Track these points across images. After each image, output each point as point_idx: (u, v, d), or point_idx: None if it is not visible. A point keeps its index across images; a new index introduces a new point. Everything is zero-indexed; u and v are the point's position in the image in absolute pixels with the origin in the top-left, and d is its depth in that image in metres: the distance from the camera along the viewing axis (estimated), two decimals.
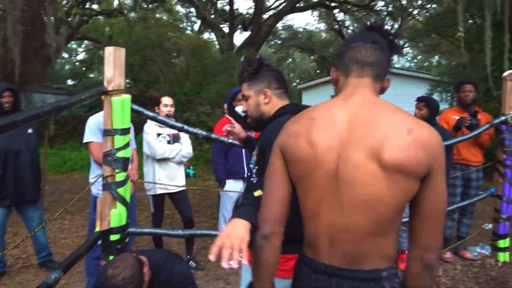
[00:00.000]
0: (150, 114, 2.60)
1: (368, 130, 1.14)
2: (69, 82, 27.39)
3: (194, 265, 3.84)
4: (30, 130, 3.73)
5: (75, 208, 6.38)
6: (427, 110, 3.69)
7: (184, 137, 3.90)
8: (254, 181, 1.65)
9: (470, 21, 10.41)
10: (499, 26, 6.41)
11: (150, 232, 2.65)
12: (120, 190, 2.36)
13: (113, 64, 2.33)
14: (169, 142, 3.79)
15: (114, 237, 2.34)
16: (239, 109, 3.85)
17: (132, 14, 17.44)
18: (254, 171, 1.66)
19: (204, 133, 2.69)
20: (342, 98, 1.24)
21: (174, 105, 3.84)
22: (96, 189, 3.08)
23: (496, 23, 6.43)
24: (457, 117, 3.90)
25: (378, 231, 1.15)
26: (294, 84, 36.63)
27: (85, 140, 3.17)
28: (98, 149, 3.13)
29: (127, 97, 2.38)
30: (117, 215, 2.34)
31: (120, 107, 2.33)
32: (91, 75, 33.13)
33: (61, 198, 7.10)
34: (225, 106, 5.65)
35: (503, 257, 3.85)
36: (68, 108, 1.99)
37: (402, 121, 1.13)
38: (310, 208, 1.23)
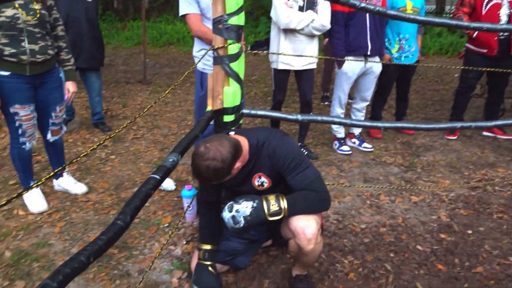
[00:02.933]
0: None
1: None
2: None
3: (306, 153, 3.60)
4: None
5: (175, 81, 6.42)
6: None
7: (322, 4, 3.12)
8: None
9: None
10: None
11: (265, 115, 2.36)
12: (234, 65, 2.01)
13: None
14: (301, 9, 3.08)
15: (228, 118, 2.07)
16: None
17: None
18: None
19: None
20: None
21: None
22: (201, 63, 2.79)
23: None
24: None
25: None
26: None
27: (181, 12, 2.75)
28: (196, 21, 2.74)
29: None
30: (231, 94, 2.04)
31: None
32: None
33: (161, 71, 7.17)
34: None
35: None
36: None
37: None
38: None
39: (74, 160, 1.17)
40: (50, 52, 2.49)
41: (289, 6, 3.06)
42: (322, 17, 3.11)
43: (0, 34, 2.28)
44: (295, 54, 3.13)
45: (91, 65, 4.00)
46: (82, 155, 1.22)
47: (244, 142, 1.81)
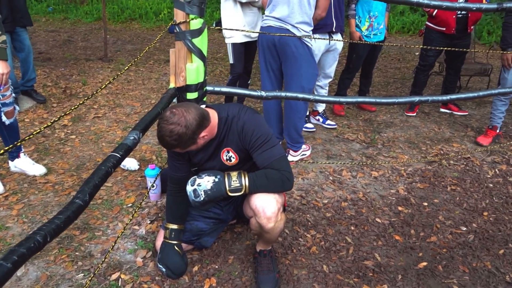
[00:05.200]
0: None
1: None
2: None
3: None
4: None
5: (137, 59, 6.23)
6: None
7: None
8: None
9: None
10: None
11: (229, 92, 2.34)
12: (196, 41, 1.97)
13: None
14: None
15: (191, 96, 2.05)
16: None
17: None
18: None
19: None
20: None
21: None
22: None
23: None
24: None
25: None
26: None
27: None
28: None
29: None
30: (194, 70, 2.00)
31: None
32: None
33: (123, 48, 6.94)
34: None
35: None
36: None
37: None
38: None
39: (27, 138, 1.13)
40: None
41: None
42: None
43: None
44: (251, 26, 3.42)
45: (25, 22, 3.77)
46: (35, 132, 1.17)
47: (213, 114, 1.80)
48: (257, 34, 3.41)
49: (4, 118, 2.58)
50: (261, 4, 3.35)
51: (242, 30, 2.68)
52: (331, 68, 3.65)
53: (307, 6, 2.77)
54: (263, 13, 3.16)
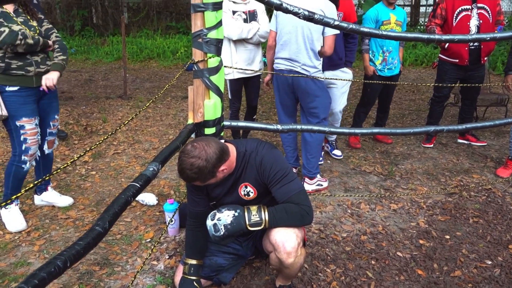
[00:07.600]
0: None
1: None
2: None
3: None
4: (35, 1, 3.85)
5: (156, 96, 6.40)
6: None
7: (261, 15, 3.49)
8: None
9: None
10: None
11: (246, 127, 2.39)
12: (214, 78, 2.04)
13: None
14: (245, 21, 3.41)
15: (209, 131, 2.09)
16: None
17: None
18: None
19: (306, 12, 2.18)
20: None
21: None
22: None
23: None
24: None
25: None
26: None
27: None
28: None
29: None
30: (211, 107, 2.06)
31: None
32: None
33: (142, 86, 7.15)
34: None
35: None
36: None
37: None
38: None
39: (60, 170, 1.17)
40: (48, 62, 2.63)
41: (235, 19, 3.38)
42: (263, 25, 3.44)
43: (7, 49, 2.40)
44: (247, 63, 3.52)
45: None
46: (64, 165, 1.22)
47: (232, 149, 1.84)
48: (256, 69, 3.57)
49: (45, 147, 2.78)
50: (257, 40, 3.45)
51: (241, 68, 2.81)
52: (337, 103, 3.65)
53: (309, 44, 2.93)
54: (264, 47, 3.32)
